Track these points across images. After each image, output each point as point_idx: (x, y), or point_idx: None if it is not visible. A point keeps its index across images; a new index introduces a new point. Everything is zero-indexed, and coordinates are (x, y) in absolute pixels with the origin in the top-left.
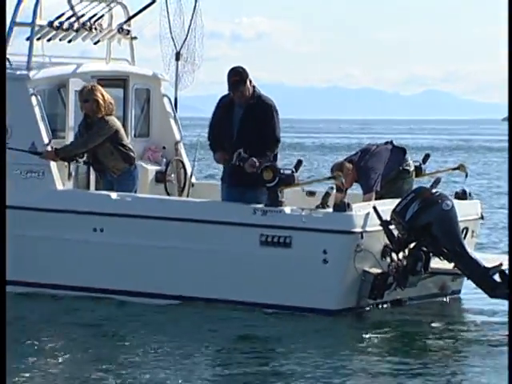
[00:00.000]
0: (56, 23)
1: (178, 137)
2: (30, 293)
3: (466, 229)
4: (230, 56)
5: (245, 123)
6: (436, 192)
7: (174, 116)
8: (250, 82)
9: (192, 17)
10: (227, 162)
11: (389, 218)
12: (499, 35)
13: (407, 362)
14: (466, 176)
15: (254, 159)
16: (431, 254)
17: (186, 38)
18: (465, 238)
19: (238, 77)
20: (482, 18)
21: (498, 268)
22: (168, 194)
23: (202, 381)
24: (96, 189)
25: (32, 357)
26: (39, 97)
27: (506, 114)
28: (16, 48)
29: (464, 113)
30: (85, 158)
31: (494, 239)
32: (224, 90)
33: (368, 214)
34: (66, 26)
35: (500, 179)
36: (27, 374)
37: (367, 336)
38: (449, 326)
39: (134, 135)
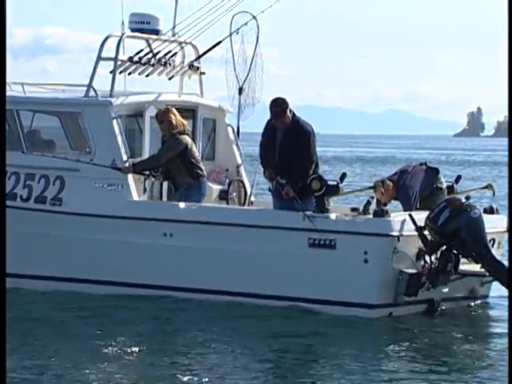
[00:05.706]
0: (135, 58)
1: (239, 160)
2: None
3: (493, 240)
4: (219, 77)
5: (284, 147)
6: (465, 201)
7: (237, 142)
8: (290, 110)
9: (253, 57)
10: (273, 179)
11: (423, 224)
12: (450, 60)
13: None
14: (494, 194)
15: (290, 189)
16: (460, 256)
17: (247, 76)
18: (492, 248)
19: (278, 108)
20: (438, 45)
21: None
22: None
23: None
24: (168, 200)
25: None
26: (120, 120)
27: (457, 131)
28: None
29: (420, 129)
30: (159, 173)
31: None
32: None
33: (404, 220)
34: (144, 60)
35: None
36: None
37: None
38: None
39: (201, 158)
